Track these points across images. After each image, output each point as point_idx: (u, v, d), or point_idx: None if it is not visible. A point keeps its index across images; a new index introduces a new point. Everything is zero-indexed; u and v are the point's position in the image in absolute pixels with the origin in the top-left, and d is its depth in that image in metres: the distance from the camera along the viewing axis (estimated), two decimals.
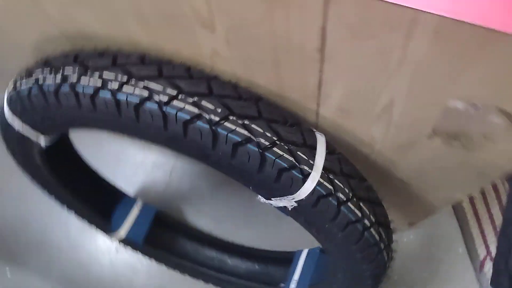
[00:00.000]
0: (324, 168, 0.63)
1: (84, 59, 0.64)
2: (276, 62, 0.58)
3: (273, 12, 0.48)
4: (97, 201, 1.12)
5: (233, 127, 0.59)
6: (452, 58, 0.44)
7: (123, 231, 1.14)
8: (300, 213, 0.67)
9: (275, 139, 0.61)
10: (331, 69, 0.54)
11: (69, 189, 1.01)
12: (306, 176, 0.61)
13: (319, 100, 0.63)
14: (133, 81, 0.60)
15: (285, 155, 0.61)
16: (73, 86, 0.62)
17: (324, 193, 0.63)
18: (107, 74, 0.61)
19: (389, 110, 0.58)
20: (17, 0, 0.68)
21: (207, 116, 0.59)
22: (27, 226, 1.40)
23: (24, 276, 1.33)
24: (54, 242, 1.37)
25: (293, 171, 0.61)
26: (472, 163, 0.63)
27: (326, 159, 0.63)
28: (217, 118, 0.59)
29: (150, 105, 0.59)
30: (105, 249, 1.35)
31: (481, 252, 1.08)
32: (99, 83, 0.60)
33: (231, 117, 0.60)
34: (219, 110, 0.59)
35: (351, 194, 0.66)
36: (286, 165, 0.60)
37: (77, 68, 0.63)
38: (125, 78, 0.60)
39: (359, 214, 0.67)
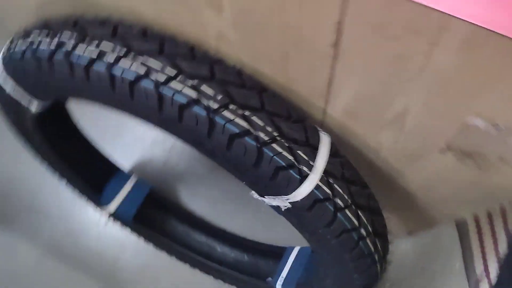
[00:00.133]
0: (324, 171, 0.59)
1: (84, 25, 0.61)
2: (285, 53, 0.54)
3: (286, 0, 0.44)
4: (90, 172, 1.09)
5: (232, 116, 0.55)
6: (479, 71, 0.41)
7: (113, 205, 1.11)
8: (293, 214, 0.64)
9: (276, 134, 0.57)
10: (344, 67, 0.51)
11: (62, 158, 0.98)
12: (304, 177, 0.58)
13: (327, 98, 0.59)
14: (131, 55, 0.56)
15: (284, 153, 0.57)
16: (67, 54, 0.58)
17: (322, 197, 0.59)
18: (105, 45, 0.57)
19: (402, 118, 0.54)
20: None
21: (205, 102, 0.55)
22: (18, 189, 1.38)
23: (11, 238, 1.31)
24: (44, 208, 1.35)
25: (291, 171, 0.57)
26: (483, 184, 0.59)
27: (328, 162, 0.60)
28: (216, 106, 0.55)
29: (145, 84, 0.55)
30: (94, 222, 1.33)
31: (479, 271, 1.04)
32: (94, 54, 0.57)
33: (231, 106, 0.56)
34: (219, 97, 0.55)
35: (350, 201, 0.62)
36: (284, 164, 0.57)
37: (75, 34, 0.59)
38: (123, 52, 0.56)
39: (356, 223, 0.63)
